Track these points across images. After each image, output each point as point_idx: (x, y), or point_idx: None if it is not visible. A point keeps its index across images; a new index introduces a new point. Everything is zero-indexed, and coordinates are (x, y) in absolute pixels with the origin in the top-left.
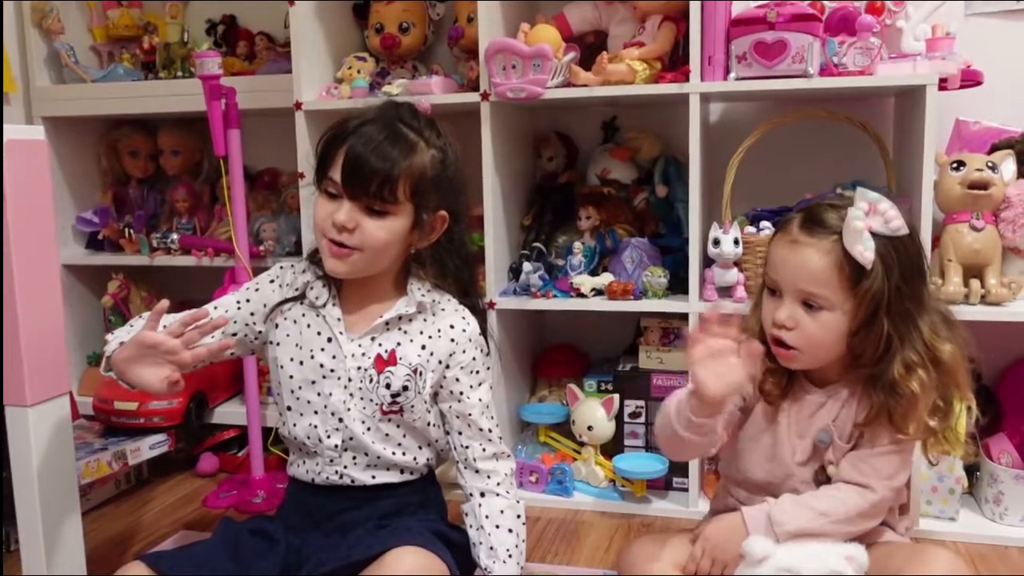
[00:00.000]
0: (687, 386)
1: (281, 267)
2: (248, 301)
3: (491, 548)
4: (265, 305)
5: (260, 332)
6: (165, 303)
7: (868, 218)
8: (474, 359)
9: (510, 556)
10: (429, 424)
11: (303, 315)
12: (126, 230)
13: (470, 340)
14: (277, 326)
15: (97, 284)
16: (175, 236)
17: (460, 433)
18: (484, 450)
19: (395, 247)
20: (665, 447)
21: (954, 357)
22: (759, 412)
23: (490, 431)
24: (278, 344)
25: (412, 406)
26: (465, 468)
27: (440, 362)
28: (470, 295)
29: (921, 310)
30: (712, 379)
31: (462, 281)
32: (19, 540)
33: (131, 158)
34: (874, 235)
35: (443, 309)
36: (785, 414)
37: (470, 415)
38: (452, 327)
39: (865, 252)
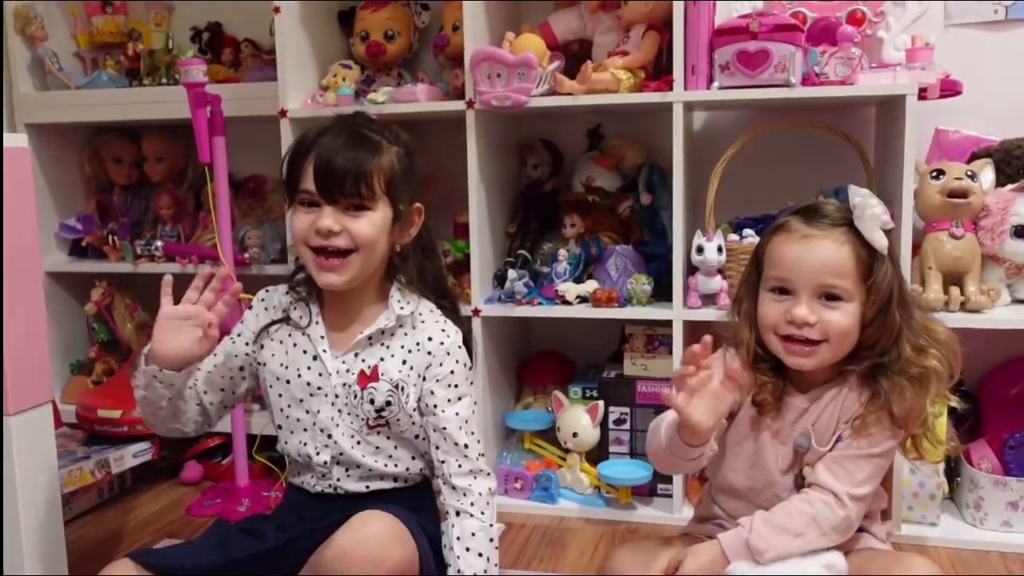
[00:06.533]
0: (673, 415)
1: (267, 290)
2: (240, 335)
3: (458, 571)
4: (253, 331)
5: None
6: (169, 277)
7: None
8: (452, 372)
9: None
10: (417, 436)
11: (289, 335)
12: (110, 237)
13: (448, 353)
14: (263, 347)
15: (80, 291)
16: (159, 243)
17: (437, 448)
18: (460, 466)
19: (382, 243)
20: (659, 466)
21: (950, 336)
22: (743, 418)
23: (467, 446)
24: (265, 365)
25: (398, 419)
26: (444, 484)
27: (419, 375)
28: (446, 296)
29: (910, 298)
30: (704, 415)
31: (438, 279)
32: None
33: (115, 165)
34: None
35: (423, 321)
36: (768, 423)
37: (445, 429)
38: (430, 339)
39: (881, 239)
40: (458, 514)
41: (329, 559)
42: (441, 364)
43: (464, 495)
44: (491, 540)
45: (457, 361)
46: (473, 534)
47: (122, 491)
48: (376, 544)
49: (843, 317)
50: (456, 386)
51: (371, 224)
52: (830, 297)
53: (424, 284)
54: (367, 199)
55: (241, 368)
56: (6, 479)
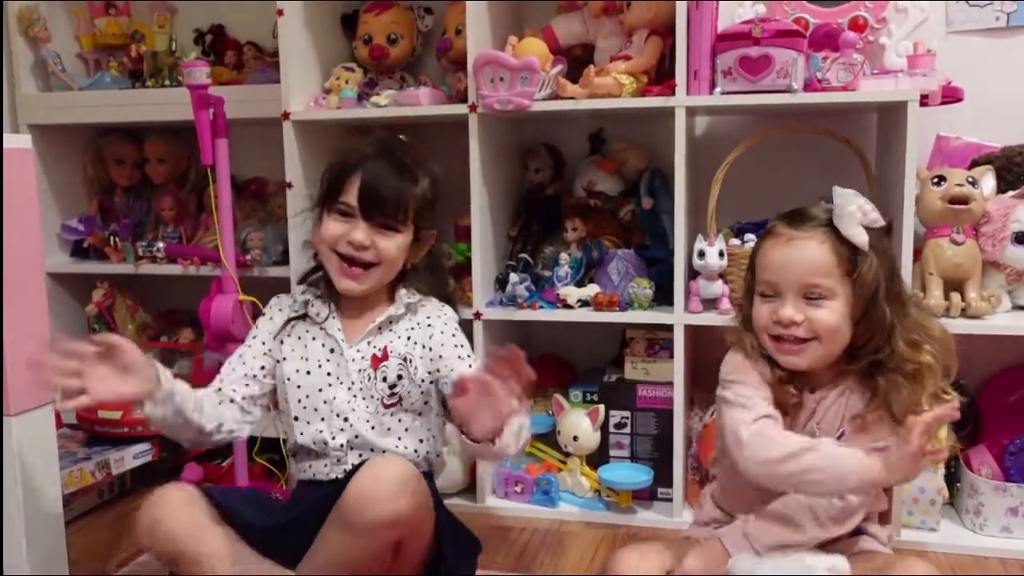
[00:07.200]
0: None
1: (279, 297)
2: (255, 337)
3: None
4: (269, 332)
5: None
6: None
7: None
8: (454, 334)
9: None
10: (426, 404)
11: (307, 331)
12: (111, 238)
13: (446, 323)
14: (283, 342)
15: (82, 292)
16: (161, 245)
17: None
18: None
19: (401, 260)
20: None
21: (945, 334)
22: None
23: None
24: (286, 359)
25: (408, 392)
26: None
27: (424, 346)
28: (449, 301)
29: (906, 296)
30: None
31: (442, 290)
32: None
33: (117, 166)
34: None
35: (424, 306)
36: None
37: None
38: (428, 317)
39: (860, 235)
40: None
41: (351, 502)
42: (442, 331)
43: None
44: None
45: (458, 326)
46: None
47: (122, 492)
48: (394, 482)
49: (829, 314)
50: (462, 345)
51: (396, 244)
52: (814, 296)
53: (430, 291)
54: (399, 222)
55: (263, 367)
56: (7, 479)
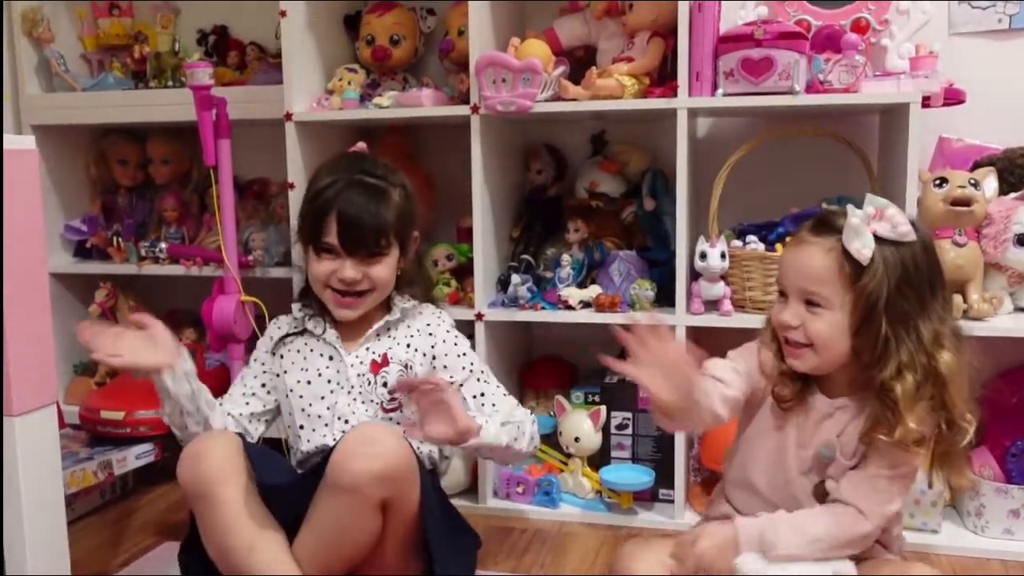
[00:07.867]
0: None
1: (276, 318)
2: (256, 360)
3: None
4: (266, 351)
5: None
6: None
7: (875, 222)
8: (456, 344)
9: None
10: None
11: (305, 343)
12: (114, 239)
13: (447, 331)
14: (282, 357)
15: (84, 293)
16: (163, 245)
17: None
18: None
19: (394, 277)
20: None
21: (951, 368)
22: (767, 413)
23: (498, 386)
24: (286, 372)
25: (408, 400)
26: None
27: (424, 355)
28: (433, 298)
29: (924, 317)
30: (662, 388)
31: (426, 278)
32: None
33: (120, 167)
34: (882, 240)
35: (420, 313)
36: (792, 421)
37: (479, 380)
38: (428, 324)
39: (862, 249)
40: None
41: (336, 459)
42: (444, 341)
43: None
44: (518, 426)
45: (456, 334)
46: (501, 424)
47: (124, 493)
48: (379, 440)
49: (823, 325)
50: (465, 354)
51: (386, 267)
52: (813, 303)
53: (417, 287)
54: (384, 247)
55: (263, 384)
56: (10, 480)
